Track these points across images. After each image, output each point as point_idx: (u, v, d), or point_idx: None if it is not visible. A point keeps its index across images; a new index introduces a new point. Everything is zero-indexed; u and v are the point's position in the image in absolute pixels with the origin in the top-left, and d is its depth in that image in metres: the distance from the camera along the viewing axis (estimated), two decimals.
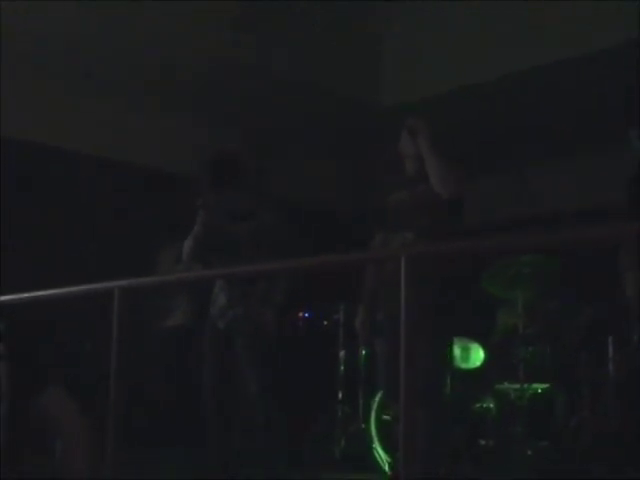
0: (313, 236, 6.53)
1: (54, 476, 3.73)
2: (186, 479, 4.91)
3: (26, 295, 3.24)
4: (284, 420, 4.28)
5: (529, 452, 5.12)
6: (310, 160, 7.89)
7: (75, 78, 6.45)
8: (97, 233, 6.45)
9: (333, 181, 8.14)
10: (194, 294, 5.84)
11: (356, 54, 6.97)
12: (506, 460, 5.21)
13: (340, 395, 6.33)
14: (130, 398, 2.81)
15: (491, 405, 5.49)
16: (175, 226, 6.41)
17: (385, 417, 5.42)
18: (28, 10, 5.60)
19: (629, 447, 4.78)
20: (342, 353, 6.43)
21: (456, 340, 5.25)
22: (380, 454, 5.42)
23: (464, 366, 5.68)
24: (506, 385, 5.48)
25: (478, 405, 5.52)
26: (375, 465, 5.41)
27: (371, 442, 5.51)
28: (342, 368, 6.41)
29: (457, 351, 5.58)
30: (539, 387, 5.41)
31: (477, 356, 5.71)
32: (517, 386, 5.33)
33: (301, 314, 6.83)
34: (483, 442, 5.40)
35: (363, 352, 6.12)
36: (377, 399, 5.54)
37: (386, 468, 5.27)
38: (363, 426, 5.87)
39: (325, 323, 6.76)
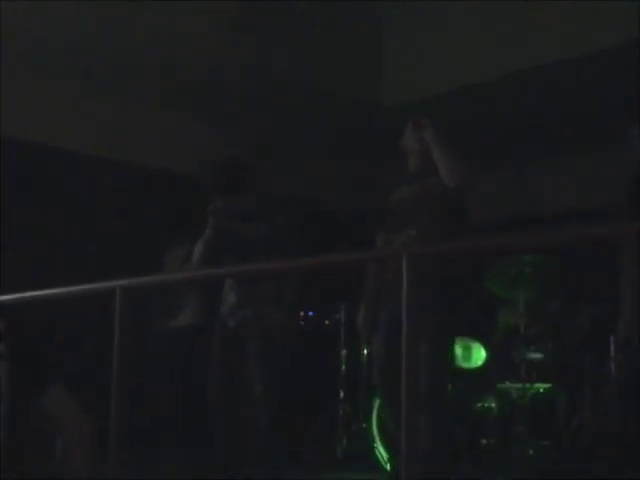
0: (313, 236, 6.53)
1: (54, 476, 3.72)
2: (186, 479, 4.91)
3: (27, 294, 3.23)
4: (286, 420, 4.28)
5: (530, 451, 5.13)
6: (310, 160, 7.89)
7: (75, 78, 6.45)
8: (97, 233, 6.45)
9: (333, 181, 8.14)
10: (204, 293, 5.85)
11: (356, 54, 6.97)
12: (507, 459, 5.21)
13: (342, 394, 6.34)
14: (133, 398, 2.81)
15: (492, 404, 5.50)
16: (175, 226, 6.43)
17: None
18: (28, 10, 5.60)
19: (630, 447, 4.78)
20: (344, 352, 6.44)
21: (458, 339, 5.26)
22: (381, 453, 5.42)
23: (466, 365, 5.69)
24: (507, 384, 5.48)
25: (479, 404, 5.53)
26: (377, 464, 5.41)
27: (372, 441, 5.51)
28: (343, 367, 6.42)
29: (459, 350, 5.58)
30: (541, 387, 5.41)
31: (479, 355, 5.71)
32: (519, 385, 5.34)
33: (303, 313, 6.84)
34: (484, 441, 5.41)
35: (365, 351, 6.12)
36: (378, 399, 5.54)
37: (387, 467, 5.27)
38: (364, 425, 5.87)
39: (327, 323, 6.77)
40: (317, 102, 7.04)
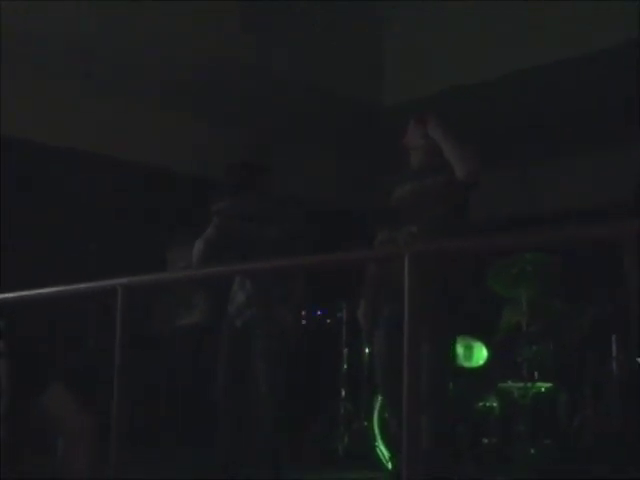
0: (313, 236, 6.52)
1: (55, 476, 3.72)
2: (186, 479, 4.90)
3: (27, 293, 3.23)
4: (287, 419, 4.27)
5: (532, 451, 5.12)
6: (310, 160, 7.89)
7: (75, 78, 6.45)
8: (97, 233, 6.44)
9: (333, 181, 8.14)
10: (211, 292, 5.85)
11: (356, 54, 6.97)
12: (509, 459, 5.21)
13: (343, 393, 6.34)
14: (135, 397, 2.81)
15: (494, 404, 5.49)
16: (175, 226, 6.44)
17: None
18: (28, 10, 5.60)
19: (631, 446, 4.78)
20: (345, 351, 6.44)
21: (459, 339, 5.25)
22: (383, 452, 5.41)
23: (467, 365, 5.68)
24: (509, 384, 5.47)
25: (481, 404, 5.52)
26: (378, 463, 5.41)
27: (374, 440, 5.51)
28: (345, 366, 6.42)
29: (460, 350, 5.58)
30: (542, 386, 5.41)
31: (480, 355, 5.70)
32: (520, 385, 5.33)
33: (305, 312, 6.83)
34: (486, 441, 5.40)
35: (366, 350, 6.12)
36: (380, 397, 5.53)
37: (389, 466, 5.26)
38: (366, 424, 5.87)
39: (328, 321, 6.78)
40: (317, 102, 7.04)
